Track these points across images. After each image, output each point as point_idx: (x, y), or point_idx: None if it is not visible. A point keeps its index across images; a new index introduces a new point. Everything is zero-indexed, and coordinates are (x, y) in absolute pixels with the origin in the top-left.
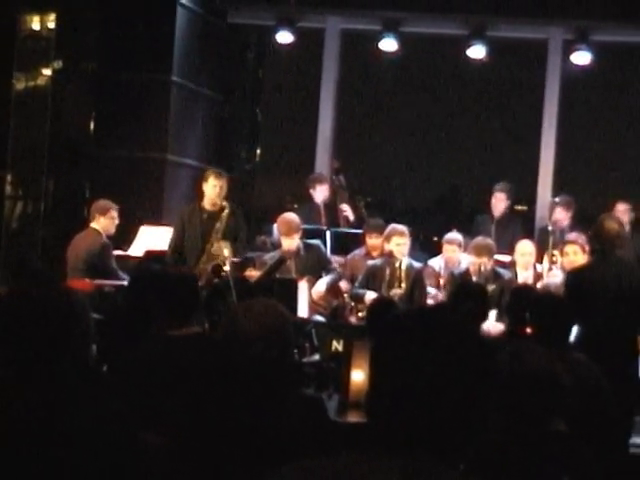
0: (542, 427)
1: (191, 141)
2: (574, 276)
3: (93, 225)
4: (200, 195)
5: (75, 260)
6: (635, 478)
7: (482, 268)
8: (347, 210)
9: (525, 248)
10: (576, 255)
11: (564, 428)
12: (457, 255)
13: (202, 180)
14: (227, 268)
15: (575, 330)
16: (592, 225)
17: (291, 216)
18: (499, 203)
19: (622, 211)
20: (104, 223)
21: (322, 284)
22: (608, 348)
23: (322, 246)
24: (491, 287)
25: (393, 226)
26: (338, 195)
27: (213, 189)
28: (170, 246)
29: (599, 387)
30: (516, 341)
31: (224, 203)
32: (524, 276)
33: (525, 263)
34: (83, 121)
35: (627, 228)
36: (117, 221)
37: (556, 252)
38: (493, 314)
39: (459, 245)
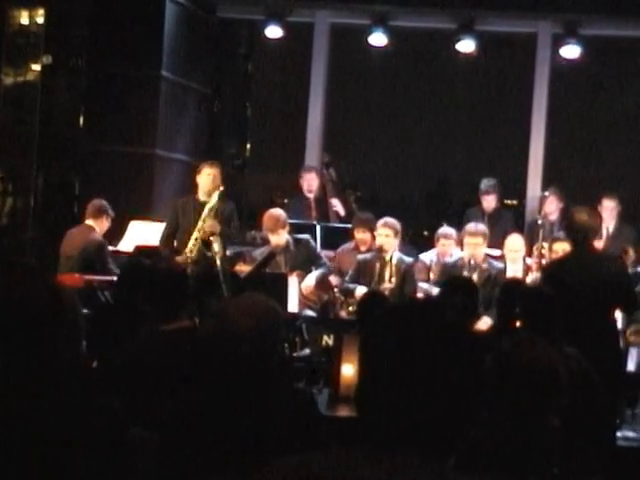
0: (539, 423)
1: (180, 136)
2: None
3: (89, 222)
4: (194, 188)
5: (70, 254)
6: (624, 471)
7: (472, 261)
8: (337, 205)
9: (514, 244)
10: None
11: (558, 424)
12: (451, 250)
13: (196, 173)
14: (218, 262)
15: None
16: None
17: (277, 212)
18: (490, 203)
19: (610, 208)
20: (101, 224)
21: (312, 278)
22: (587, 340)
23: (312, 241)
24: (481, 277)
25: (383, 219)
26: (328, 189)
27: (207, 177)
28: (162, 237)
29: (589, 382)
30: (516, 334)
31: (217, 185)
32: (513, 270)
33: (514, 258)
34: (72, 116)
35: (614, 222)
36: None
37: (545, 244)
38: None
39: (454, 240)
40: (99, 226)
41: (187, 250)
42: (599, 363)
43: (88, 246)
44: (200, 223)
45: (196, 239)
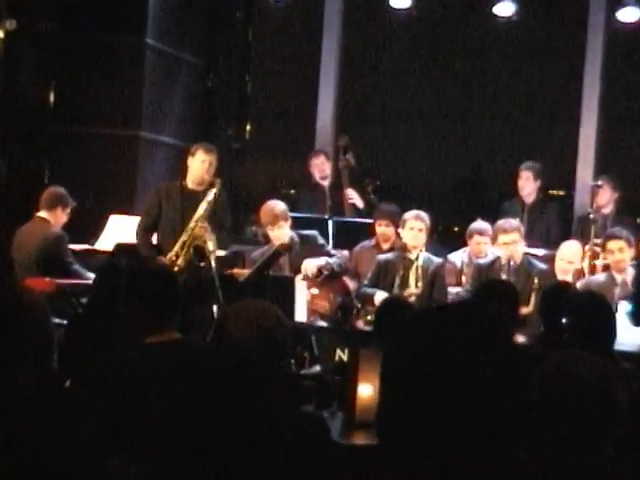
0: (591, 452)
1: (169, 116)
2: None
3: (42, 214)
4: (184, 172)
5: (25, 256)
6: None
7: (512, 263)
8: (354, 196)
9: (570, 254)
10: (622, 252)
11: (613, 453)
12: (487, 249)
13: (188, 155)
14: (213, 263)
15: None
16: None
17: (273, 203)
18: (526, 184)
19: None
20: (55, 217)
21: (319, 261)
22: None
23: (319, 236)
24: (522, 280)
25: (413, 211)
26: (344, 178)
27: (201, 164)
28: (139, 228)
29: None
30: (560, 350)
31: (213, 180)
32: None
33: (566, 270)
34: (41, 92)
35: None
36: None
37: (598, 241)
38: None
39: (490, 237)
40: (54, 219)
41: (172, 254)
42: None
43: (46, 242)
44: (192, 223)
45: (184, 242)
